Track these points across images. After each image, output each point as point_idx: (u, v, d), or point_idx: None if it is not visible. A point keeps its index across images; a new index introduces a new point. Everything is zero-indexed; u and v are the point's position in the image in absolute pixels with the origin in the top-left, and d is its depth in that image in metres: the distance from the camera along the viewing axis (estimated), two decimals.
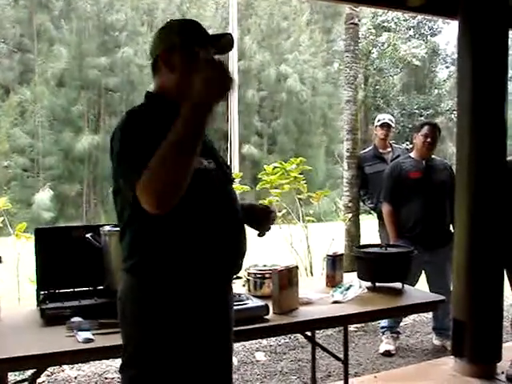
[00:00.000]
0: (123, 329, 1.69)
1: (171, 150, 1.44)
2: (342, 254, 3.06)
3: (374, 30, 23.72)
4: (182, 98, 1.63)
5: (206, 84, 1.47)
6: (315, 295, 2.64)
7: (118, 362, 1.72)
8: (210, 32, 1.79)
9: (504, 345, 3.68)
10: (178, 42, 1.70)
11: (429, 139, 4.24)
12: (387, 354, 4.24)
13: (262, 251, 5.13)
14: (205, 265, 1.66)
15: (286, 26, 28.23)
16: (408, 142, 16.18)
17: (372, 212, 5.29)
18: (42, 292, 2.40)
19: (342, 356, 3.10)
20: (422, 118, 23.28)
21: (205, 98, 1.47)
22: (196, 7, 26.95)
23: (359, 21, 6.70)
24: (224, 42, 1.80)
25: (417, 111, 25.93)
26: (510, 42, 3.67)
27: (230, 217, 1.73)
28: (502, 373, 3.54)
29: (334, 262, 2.95)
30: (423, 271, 4.23)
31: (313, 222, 5.58)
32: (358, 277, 2.93)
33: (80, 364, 3.85)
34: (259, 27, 27.60)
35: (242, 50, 23.34)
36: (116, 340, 1.76)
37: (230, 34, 1.83)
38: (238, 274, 1.93)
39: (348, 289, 2.72)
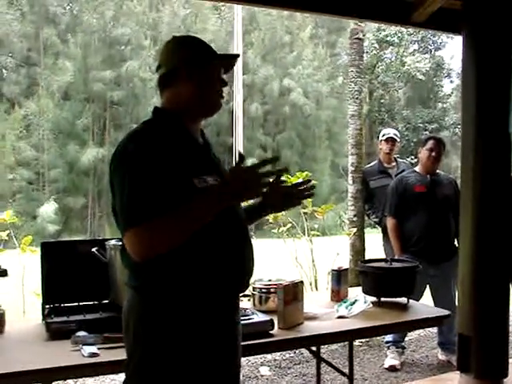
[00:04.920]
0: (127, 344, 1.69)
1: (181, 216, 1.53)
2: (346, 269, 3.05)
3: (378, 45, 23.84)
4: (196, 109, 1.73)
5: (245, 184, 1.56)
6: (320, 310, 2.64)
7: (122, 377, 1.71)
8: (213, 46, 1.84)
9: (511, 360, 3.65)
10: (197, 55, 1.74)
11: (433, 153, 4.24)
12: (392, 368, 4.22)
13: (267, 265, 5.13)
14: (211, 283, 1.65)
15: (289, 40, 28.36)
16: (413, 156, 16.21)
17: (377, 226, 5.28)
18: (48, 306, 2.41)
19: (347, 371, 3.09)
20: (427, 132, 23.33)
21: (237, 193, 1.57)
22: (200, 22, 27.11)
23: (364, 35, 6.70)
24: (229, 62, 1.86)
25: (421, 125, 26.00)
26: None
27: (237, 235, 1.73)
28: None
29: (338, 276, 2.95)
30: (428, 286, 4.21)
31: (317, 236, 5.58)
32: (363, 291, 2.92)
33: (84, 378, 3.83)
34: (263, 41, 27.76)
35: (246, 63, 23.44)
36: (121, 354, 1.76)
37: (237, 56, 1.90)
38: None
39: (353, 304, 2.71)
